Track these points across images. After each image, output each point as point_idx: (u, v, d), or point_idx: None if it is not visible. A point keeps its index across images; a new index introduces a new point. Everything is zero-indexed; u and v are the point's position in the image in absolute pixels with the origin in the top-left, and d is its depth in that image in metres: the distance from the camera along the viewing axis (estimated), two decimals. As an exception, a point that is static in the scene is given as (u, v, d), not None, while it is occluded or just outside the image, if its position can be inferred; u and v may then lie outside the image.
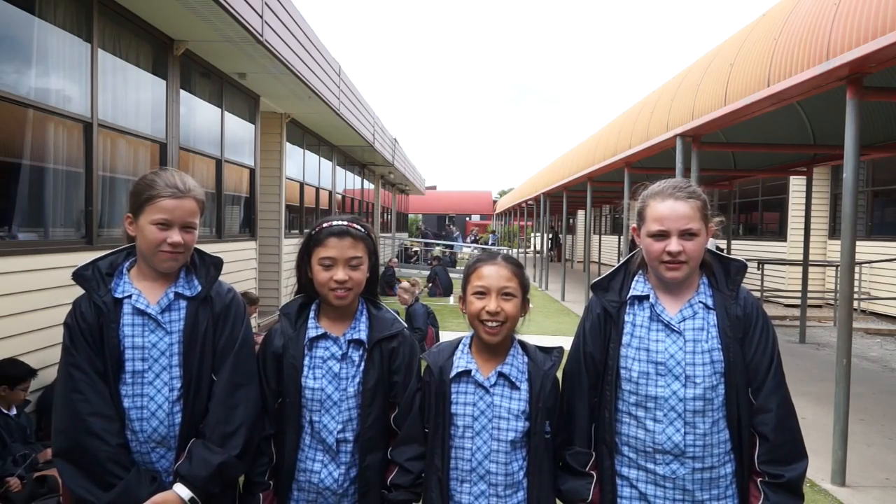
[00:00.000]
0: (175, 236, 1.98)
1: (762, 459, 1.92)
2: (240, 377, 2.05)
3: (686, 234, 1.93)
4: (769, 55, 5.62)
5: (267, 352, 2.12)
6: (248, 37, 6.65)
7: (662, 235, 1.95)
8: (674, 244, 1.93)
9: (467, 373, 2.04)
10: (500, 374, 2.03)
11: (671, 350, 1.96)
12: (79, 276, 2.02)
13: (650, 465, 1.97)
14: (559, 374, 2.12)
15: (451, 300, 14.93)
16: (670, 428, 1.93)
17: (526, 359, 2.08)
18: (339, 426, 2.06)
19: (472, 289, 2.03)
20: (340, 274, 2.05)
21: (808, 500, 4.30)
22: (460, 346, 2.11)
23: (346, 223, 2.11)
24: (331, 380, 2.07)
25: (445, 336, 8.88)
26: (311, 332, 2.10)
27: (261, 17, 6.68)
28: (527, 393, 2.02)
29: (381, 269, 16.59)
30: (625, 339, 2.01)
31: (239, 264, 8.92)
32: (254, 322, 7.68)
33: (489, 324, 1.99)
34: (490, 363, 2.05)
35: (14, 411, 4.08)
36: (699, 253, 1.96)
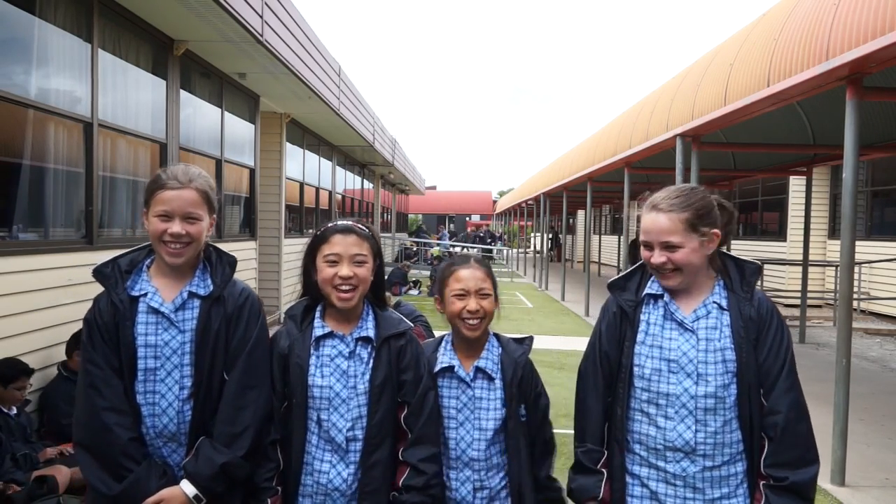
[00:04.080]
0: (175, 227, 1.99)
1: (767, 462, 1.92)
2: (250, 378, 2.06)
3: (667, 247, 1.95)
4: (769, 55, 5.63)
5: (273, 353, 2.13)
6: (248, 37, 6.65)
7: (648, 246, 2.01)
8: (655, 256, 1.98)
9: (451, 368, 2.19)
10: (478, 369, 2.19)
11: (684, 348, 1.97)
12: (98, 273, 2.05)
13: (661, 463, 1.98)
14: (567, 372, 2.15)
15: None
16: (681, 425, 1.95)
17: (500, 350, 2.24)
18: (349, 424, 2.05)
19: (452, 291, 2.19)
20: (345, 270, 2.06)
21: (807, 500, 4.30)
22: (443, 343, 2.27)
23: (350, 222, 2.15)
24: (339, 377, 2.07)
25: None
26: (318, 332, 2.12)
27: (261, 17, 6.68)
28: (501, 381, 2.19)
29: (389, 269, 16.47)
30: (639, 336, 2.04)
31: (239, 264, 8.90)
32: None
33: (470, 321, 2.16)
34: (470, 358, 2.21)
35: (14, 410, 4.08)
36: (689, 261, 1.96)
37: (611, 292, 2.16)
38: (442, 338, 2.29)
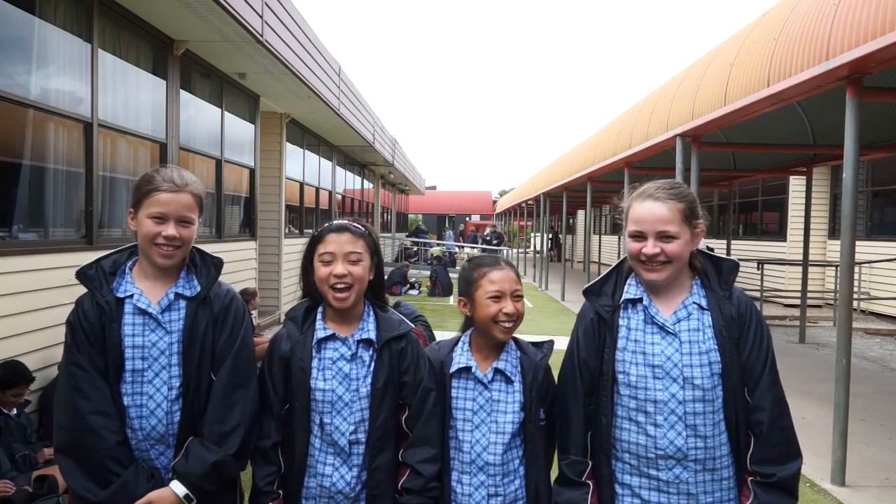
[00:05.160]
0: (170, 229, 1.99)
1: (754, 459, 1.91)
2: (238, 378, 2.06)
3: (663, 237, 1.92)
4: (769, 55, 5.63)
5: (274, 356, 2.11)
6: (248, 37, 6.66)
7: (640, 237, 1.95)
8: (649, 246, 1.92)
9: (467, 369, 2.14)
10: (497, 370, 2.14)
11: (668, 352, 1.94)
12: (82, 275, 2.04)
13: (653, 472, 1.94)
14: (554, 374, 2.15)
15: (451, 300, 14.91)
16: (671, 432, 1.91)
17: (519, 353, 2.19)
18: (352, 427, 2.05)
19: (487, 293, 2.12)
20: (339, 268, 2.05)
21: (807, 500, 4.30)
22: (459, 344, 2.21)
23: (345, 221, 2.14)
24: (341, 381, 2.06)
25: (446, 336, 8.86)
26: (320, 334, 2.10)
27: (261, 17, 6.68)
28: (520, 384, 2.13)
29: (389, 269, 16.52)
30: (620, 343, 1.99)
31: (239, 264, 8.92)
32: (254, 314, 7.69)
33: (505, 324, 2.10)
34: (488, 360, 2.16)
35: (14, 411, 4.08)
36: (681, 254, 1.93)
37: (586, 298, 2.11)
38: (458, 339, 2.24)
